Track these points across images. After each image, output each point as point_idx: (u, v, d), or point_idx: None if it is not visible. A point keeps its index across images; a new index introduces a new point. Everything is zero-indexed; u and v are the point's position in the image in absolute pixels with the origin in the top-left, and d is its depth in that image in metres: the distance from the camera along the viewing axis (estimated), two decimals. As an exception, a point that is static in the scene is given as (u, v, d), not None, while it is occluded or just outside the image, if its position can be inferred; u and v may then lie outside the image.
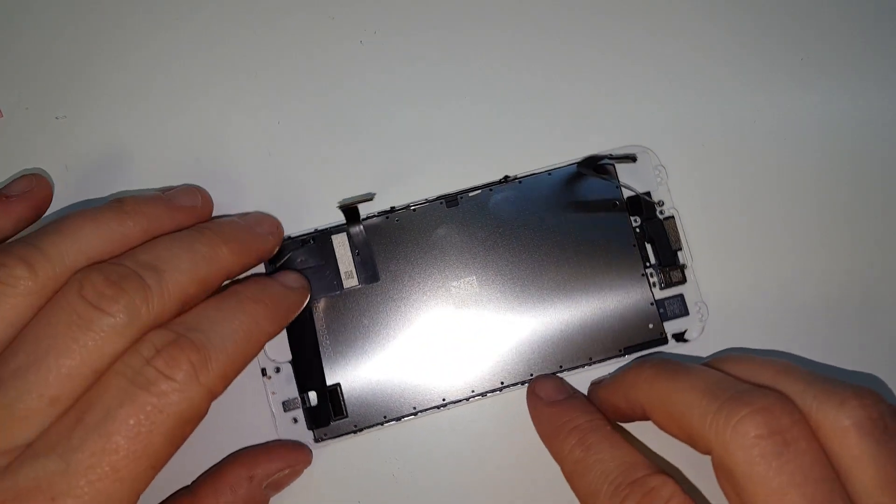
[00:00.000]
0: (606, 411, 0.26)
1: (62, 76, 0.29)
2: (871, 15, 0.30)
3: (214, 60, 0.30)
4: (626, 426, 0.27)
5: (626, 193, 0.28)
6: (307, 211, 0.29)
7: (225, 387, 0.23)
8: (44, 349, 0.21)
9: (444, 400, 0.27)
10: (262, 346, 0.25)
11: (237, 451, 0.27)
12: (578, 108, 0.29)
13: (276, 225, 0.28)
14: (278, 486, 0.27)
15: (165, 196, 0.26)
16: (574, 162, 0.29)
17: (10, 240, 0.25)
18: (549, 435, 0.25)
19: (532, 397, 0.27)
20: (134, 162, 0.29)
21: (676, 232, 0.28)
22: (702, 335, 0.28)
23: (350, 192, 0.29)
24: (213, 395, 0.22)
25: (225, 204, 0.29)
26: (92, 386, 0.21)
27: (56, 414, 0.21)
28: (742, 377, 0.23)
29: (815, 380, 0.22)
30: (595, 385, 0.27)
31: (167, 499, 0.26)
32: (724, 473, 0.21)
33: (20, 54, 0.30)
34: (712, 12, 0.30)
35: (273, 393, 0.28)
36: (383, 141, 0.29)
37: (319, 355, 0.28)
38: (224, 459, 0.27)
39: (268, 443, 0.27)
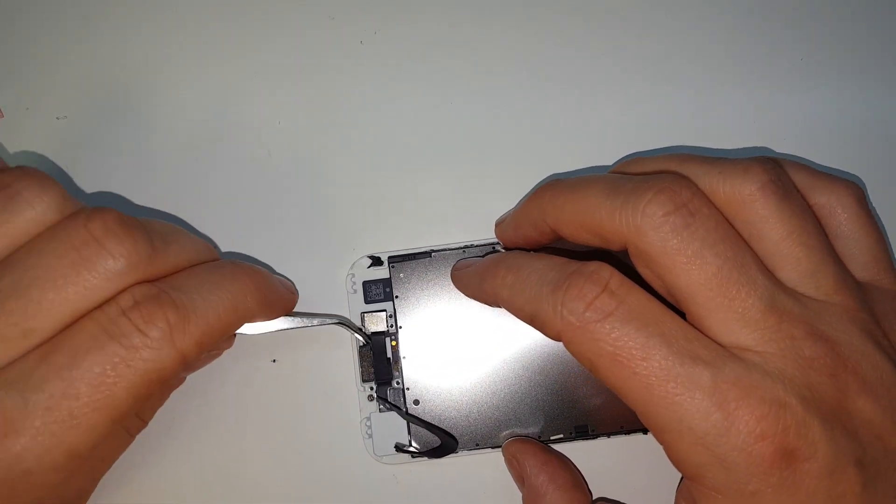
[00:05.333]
0: (517, 245, 0.26)
1: (62, 76, 0.29)
2: (871, 15, 0.30)
3: (213, 60, 0.30)
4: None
5: None
6: (306, 210, 0.29)
7: (199, 353, 0.22)
8: (29, 279, 0.20)
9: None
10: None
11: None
12: (579, 109, 0.29)
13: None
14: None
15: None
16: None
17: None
18: (478, 284, 0.25)
19: (453, 272, 0.27)
20: (134, 162, 0.29)
21: None
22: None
23: (350, 190, 0.29)
24: (186, 359, 0.21)
25: (224, 203, 0.29)
26: (68, 327, 0.20)
27: (27, 347, 0.20)
28: (644, 173, 0.23)
29: (714, 160, 0.23)
30: (499, 223, 0.28)
31: None
32: (643, 259, 0.21)
33: (20, 54, 0.30)
34: (712, 12, 0.30)
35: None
36: (383, 140, 0.29)
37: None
38: None
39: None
